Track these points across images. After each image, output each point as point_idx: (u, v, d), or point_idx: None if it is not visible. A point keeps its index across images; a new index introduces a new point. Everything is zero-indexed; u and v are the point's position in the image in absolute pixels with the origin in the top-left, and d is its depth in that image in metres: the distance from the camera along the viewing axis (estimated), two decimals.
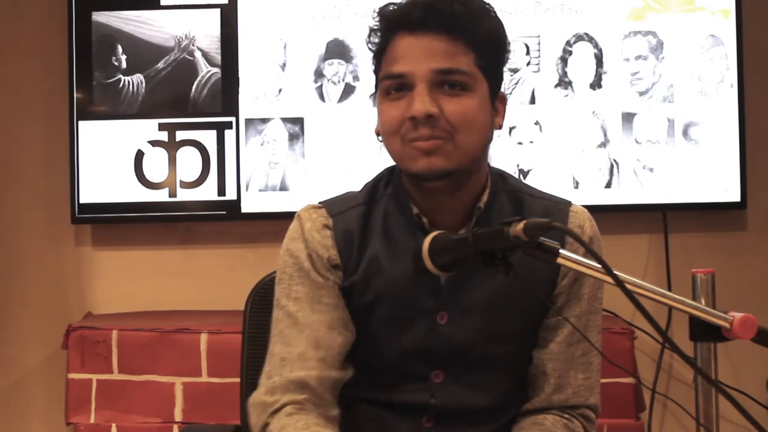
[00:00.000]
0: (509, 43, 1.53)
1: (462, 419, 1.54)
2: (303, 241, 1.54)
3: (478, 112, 1.46)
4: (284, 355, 1.50)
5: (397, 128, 1.45)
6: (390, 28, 1.47)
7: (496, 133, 1.53)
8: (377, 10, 1.51)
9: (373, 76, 1.53)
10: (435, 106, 1.42)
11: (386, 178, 1.58)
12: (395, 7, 1.48)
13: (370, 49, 1.53)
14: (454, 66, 1.43)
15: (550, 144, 3.00)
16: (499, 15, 1.52)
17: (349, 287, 1.53)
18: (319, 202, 1.59)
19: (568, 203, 1.58)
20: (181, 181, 3.06)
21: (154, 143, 3.06)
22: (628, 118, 3.01)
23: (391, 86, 1.46)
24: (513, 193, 1.56)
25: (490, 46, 1.48)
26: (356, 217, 1.54)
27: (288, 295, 1.53)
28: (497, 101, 1.51)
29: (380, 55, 1.50)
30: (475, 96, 1.45)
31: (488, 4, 1.50)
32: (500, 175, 1.57)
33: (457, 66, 1.44)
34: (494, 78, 1.50)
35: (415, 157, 1.45)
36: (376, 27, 1.50)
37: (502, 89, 1.53)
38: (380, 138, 1.51)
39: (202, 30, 3.06)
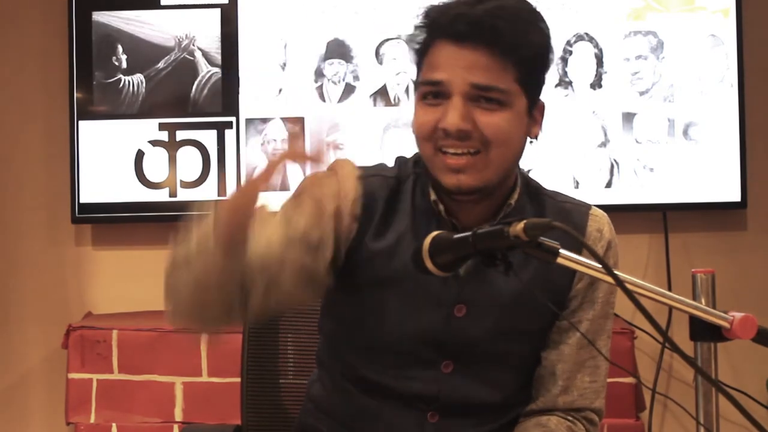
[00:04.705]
0: (553, 52, 1.49)
1: (466, 415, 1.54)
2: (332, 175, 1.42)
3: (513, 127, 1.44)
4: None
5: (429, 135, 1.45)
6: (433, 32, 1.45)
7: None
8: (423, 9, 1.48)
9: (413, 73, 1.51)
10: (468, 121, 1.41)
11: (418, 156, 1.56)
12: (441, 10, 1.45)
13: (412, 46, 1.49)
14: (492, 83, 1.41)
15: (550, 144, 3.00)
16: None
17: (368, 255, 1.50)
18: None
19: (588, 206, 1.57)
20: (181, 180, 3.06)
21: (155, 143, 3.06)
22: (628, 117, 3.01)
23: (428, 92, 1.45)
24: (535, 194, 1.56)
25: (533, 62, 1.45)
26: (384, 187, 1.53)
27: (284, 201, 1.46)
28: (535, 110, 1.49)
29: (422, 56, 1.48)
30: (511, 111, 1.43)
31: (536, 12, 1.46)
32: (523, 176, 1.57)
33: (496, 84, 1.41)
34: (534, 90, 1.48)
35: (444, 171, 1.45)
36: (420, 25, 1.47)
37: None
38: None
39: (202, 30, 3.06)
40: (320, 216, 1.38)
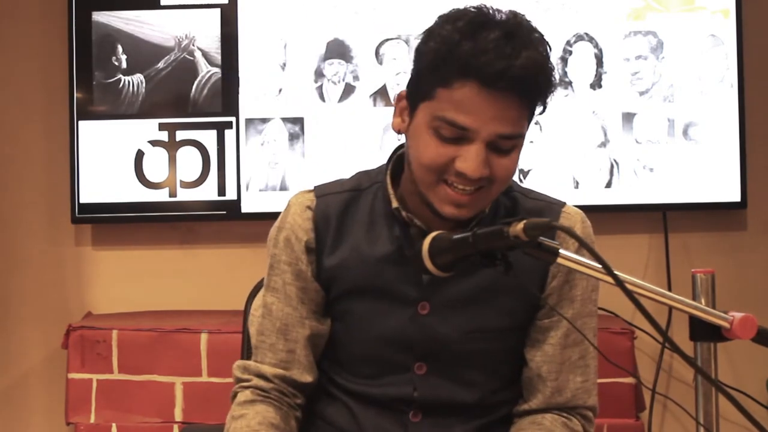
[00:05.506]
0: None
1: (449, 414, 1.55)
2: (284, 229, 1.57)
3: (517, 163, 1.47)
4: (258, 342, 1.59)
5: (438, 168, 1.42)
6: (464, 71, 1.37)
7: None
8: (447, 39, 1.39)
9: (409, 77, 1.47)
10: (487, 168, 1.41)
11: (386, 166, 1.57)
12: (474, 51, 1.36)
13: (422, 52, 1.43)
14: (515, 132, 1.42)
15: (550, 144, 3.00)
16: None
17: (327, 274, 1.55)
18: (315, 186, 1.62)
19: (562, 204, 1.57)
20: (181, 181, 3.06)
21: (154, 143, 3.06)
22: (628, 118, 3.01)
23: (446, 129, 1.40)
24: (508, 193, 1.56)
25: (544, 105, 1.48)
26: (337, 203, 1.56)
27: (268, 284, 1.59)
28: None
29: (440, 86, 1.40)
30: (519, 149, 1.45)
31: (550, 57, 1.45)
32: None
33: (519, 131, 1.43)
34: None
35: (445, 201, 1.44)
36: (447, 58, 1.38)
37: None
38: (400, 134, 1.50)
39: (202, 30, 3.06)
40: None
